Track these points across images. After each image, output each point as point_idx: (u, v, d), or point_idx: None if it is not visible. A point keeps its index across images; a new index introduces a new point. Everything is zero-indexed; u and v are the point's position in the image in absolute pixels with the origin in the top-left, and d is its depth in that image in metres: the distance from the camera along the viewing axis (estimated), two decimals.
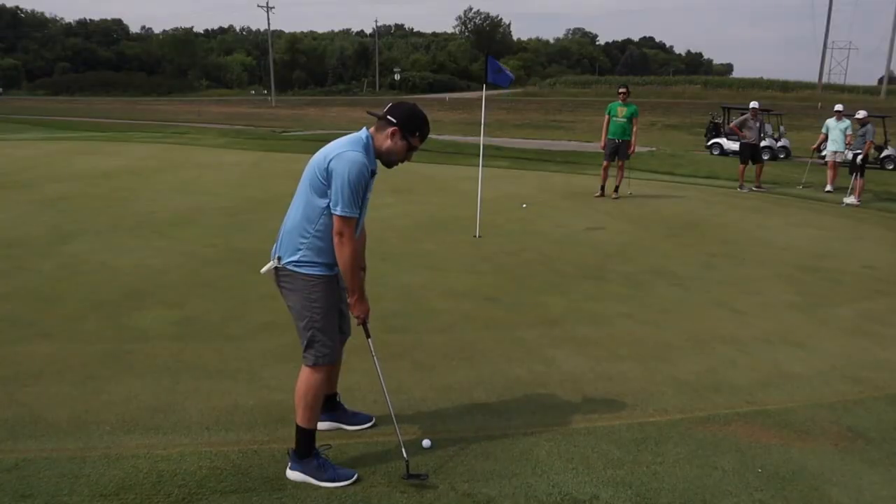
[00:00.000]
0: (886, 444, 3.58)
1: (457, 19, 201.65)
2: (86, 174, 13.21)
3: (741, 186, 13.14)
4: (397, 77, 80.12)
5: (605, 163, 11.57)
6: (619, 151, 11.32)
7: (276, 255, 3.01)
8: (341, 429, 3.54)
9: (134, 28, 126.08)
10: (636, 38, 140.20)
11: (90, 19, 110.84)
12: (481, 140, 8.74)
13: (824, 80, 71.91)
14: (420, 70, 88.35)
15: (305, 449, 3.08)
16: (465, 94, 69.22)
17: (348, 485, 3.05)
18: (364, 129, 3.02)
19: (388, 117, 2.96)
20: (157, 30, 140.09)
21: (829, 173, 13.16)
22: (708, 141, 20.72)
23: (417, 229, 8.69)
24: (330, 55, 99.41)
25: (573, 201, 11.18)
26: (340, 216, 2.86)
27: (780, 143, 19.14)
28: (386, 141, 2.99)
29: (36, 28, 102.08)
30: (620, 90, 11.38)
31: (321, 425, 3.44)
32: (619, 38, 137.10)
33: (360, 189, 2.89)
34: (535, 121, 34.40)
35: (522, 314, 5.52)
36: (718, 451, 3.45)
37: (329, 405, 3.48)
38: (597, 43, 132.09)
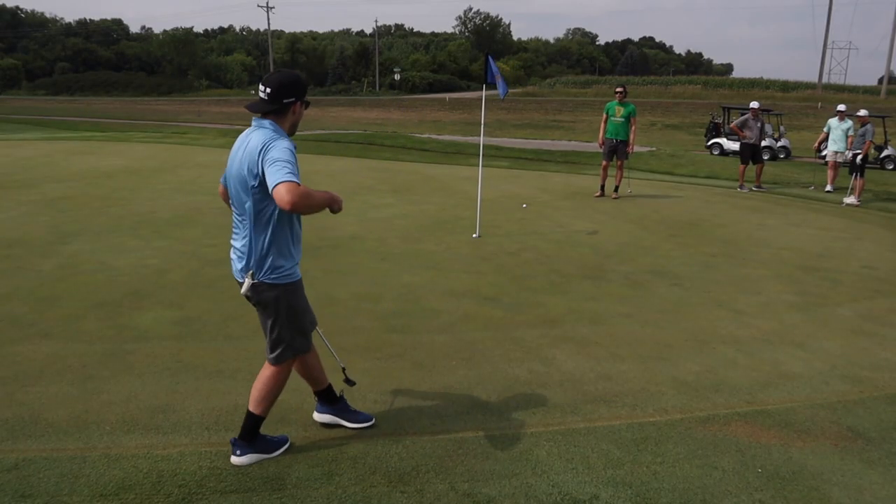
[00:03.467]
0: (886, 444, 3.58)
1: (457, 19, 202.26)
2: (86, 174, 13.21)
3: (741, 186, 13.14)
4: (397, 77, 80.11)
5: (604, 162, 11.59)
6: (617, 151, 11.35)
7: (249, 272, 3.01)
8: (342, 426, 3.55)
9: (134, 28, 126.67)
10: (636, 38, 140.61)
11: (90, 19, 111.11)
12: (481, 140, 8.73)
13: (824, 80, 71.88)
14: (420, 70, 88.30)
15: (254, 433, 3.21)
16: (465, 94, 69.20)
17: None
18: (255, 119, 3.02)
19: (284, 100, 2.98)
20: (157, 30, 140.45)
21: (830, 173, 13.16)
22: (708, 141, 20.70)
23: (417, 229, 8.68)
24: (330, 55, 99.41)
25: (573, 201, 11.18)
26: (285, 181, 2.66)
27: (780, 143, 19.13)
28: (291, 118, 3.06)
29: (36, 28, 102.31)
30: (617, 90, 11.41)
31: (322, 418, 3.54)
32: (619, 38, 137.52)
33: (296, 165, 2.83)
34: (535, 121, 34.38)
35: (522, 314, 5.52)
36: (718, 451, 3.45)
37: (327, 397, 3.53)
38: (597, 43, 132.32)
